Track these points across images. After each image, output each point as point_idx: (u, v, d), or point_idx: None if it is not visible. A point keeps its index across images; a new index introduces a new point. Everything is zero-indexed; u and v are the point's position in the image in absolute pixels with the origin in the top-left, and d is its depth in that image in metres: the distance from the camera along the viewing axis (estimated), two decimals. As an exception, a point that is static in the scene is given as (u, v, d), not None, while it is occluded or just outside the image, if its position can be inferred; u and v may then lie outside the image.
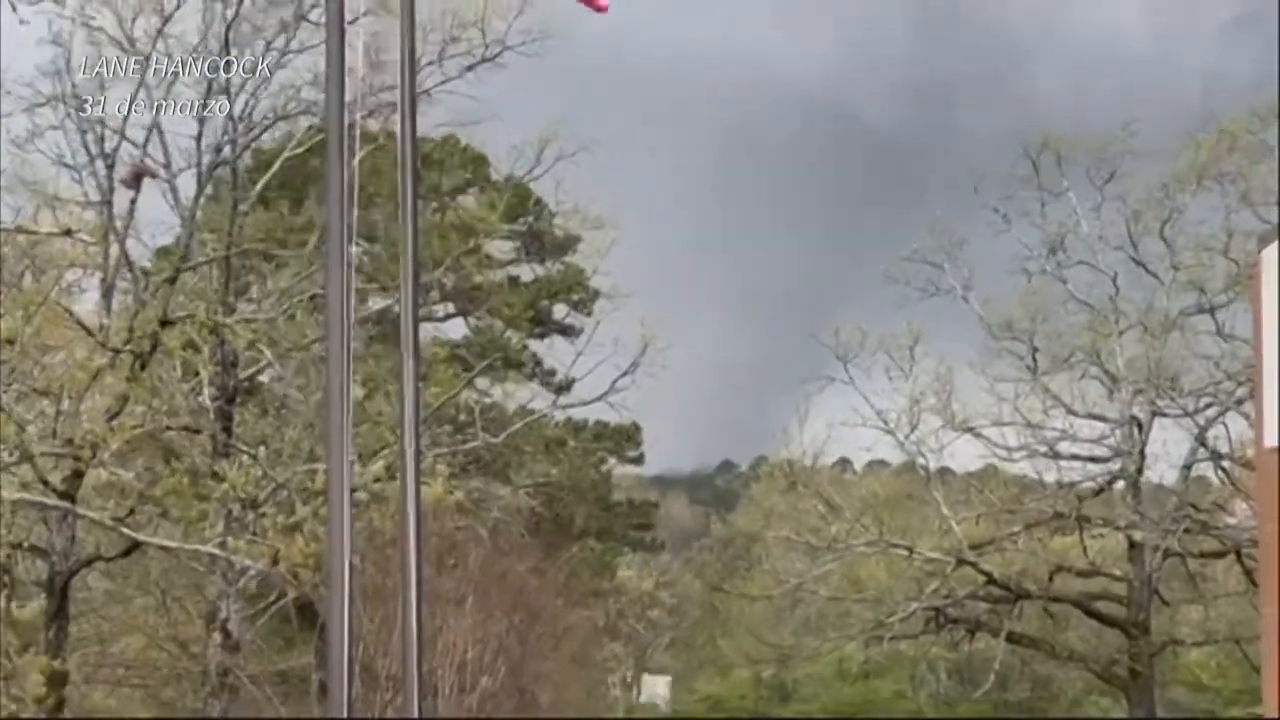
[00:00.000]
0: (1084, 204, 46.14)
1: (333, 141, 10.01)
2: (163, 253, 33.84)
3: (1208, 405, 44.03)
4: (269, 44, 30.42)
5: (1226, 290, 43.13)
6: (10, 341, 25.25)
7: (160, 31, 28.80)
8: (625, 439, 50.44)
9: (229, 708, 30.74)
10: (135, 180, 29.50)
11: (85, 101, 29.13)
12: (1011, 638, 46.45)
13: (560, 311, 47.85)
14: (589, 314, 45.48)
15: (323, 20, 29.46)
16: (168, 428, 28.34)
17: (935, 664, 58.50)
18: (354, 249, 10.04)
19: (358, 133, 10.86)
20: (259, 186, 32.98)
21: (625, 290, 42.78)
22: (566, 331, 47.40)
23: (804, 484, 49.47)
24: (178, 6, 28.80)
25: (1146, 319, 45.06)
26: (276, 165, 33.11)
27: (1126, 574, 45.19)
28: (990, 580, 45.45)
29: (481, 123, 34.94)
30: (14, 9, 21.25)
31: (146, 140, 29.80)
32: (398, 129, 10.94)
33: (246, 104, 31.05)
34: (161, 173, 30.55)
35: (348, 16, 10.24)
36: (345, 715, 9.00)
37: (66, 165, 29.59)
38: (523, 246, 45.23)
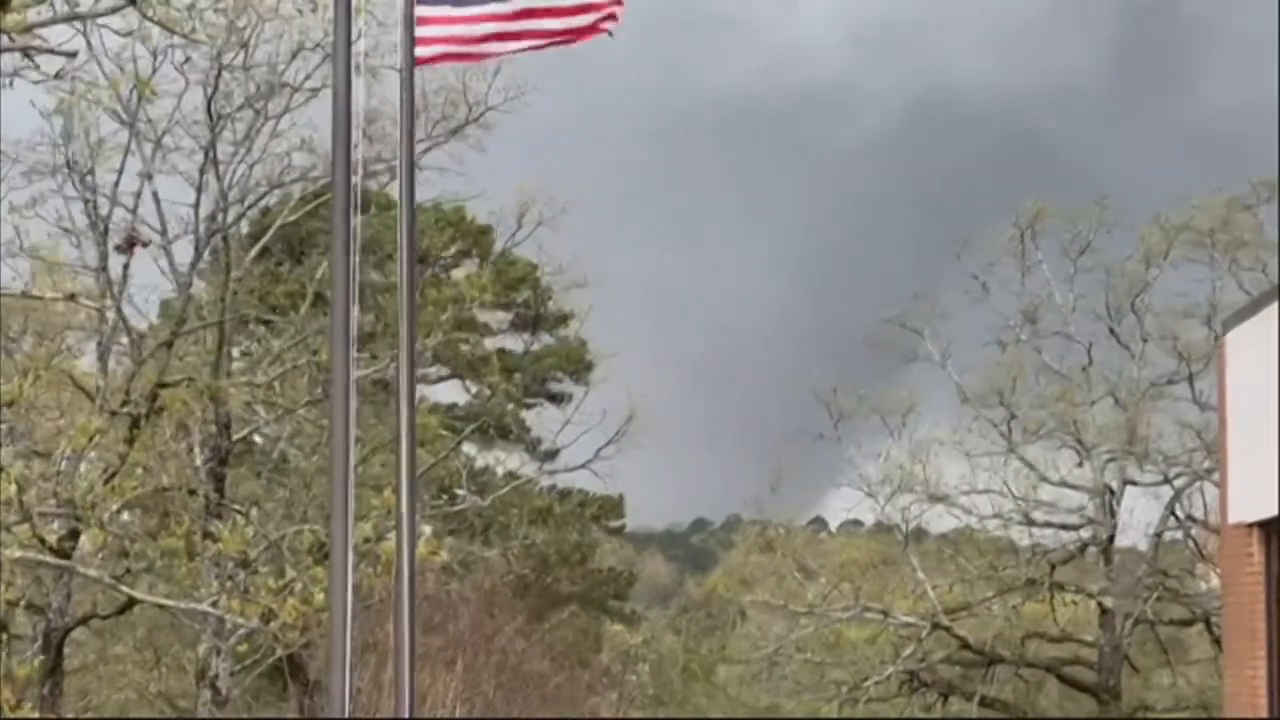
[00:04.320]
0: (1057, 275, 47.10)
1: (338, 207, 10.60)
2: (165, 311, 34.44)
3: (1178, 475, 44.87)
4: (258, 112, 31.06)
5: (1202, 359, 43.95)
6: (10, 404, 25.81)
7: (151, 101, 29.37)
8: (609, 510, 51.03)
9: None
10: (129, 246, 30.11)
11: (85, 171, 29.74)
12: (985, 702, 47.05)
13: (559, 380, 48.54)
14: (586, 385, 46.24)
15: (308, 86, 30.35)
16: (164, 488, 28.89)
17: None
18: (357, 312, 10.65)
19: (359, 197, 11.50)
20: (253, 252, 33.66)
21: (606, 345, 43.61)
22: (556, 399, 48.14)
23: (781, 547, 50.13)
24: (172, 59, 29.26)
25: (1118, 390, 45.94)
26: (269, 234, 33.85)
27: (1098, 640, 45.90)
28: (964, 645, 46.13)
29: (470, 194, 35.69)
30: (10, 85, 21.88)
31: (135, 206, 30.35)
32: (397, 195, 11.55)
33: (241, 173, 31.71)
34: (155, 239, 31.19)
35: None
36: (345, 715, 9.63)
37: (66, 230, 30.21)
38: (519, 318, 46.01)
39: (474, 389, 46.03)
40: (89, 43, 26.26)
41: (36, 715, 26.20)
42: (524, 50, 11.32)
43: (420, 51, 10.97)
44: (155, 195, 30.72)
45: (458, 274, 36.90)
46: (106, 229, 29.90)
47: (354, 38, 10.67)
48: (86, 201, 29.65)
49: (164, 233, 31.25)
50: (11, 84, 21.23)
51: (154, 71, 28.26)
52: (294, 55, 29.78)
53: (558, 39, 11.16)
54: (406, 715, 10.49)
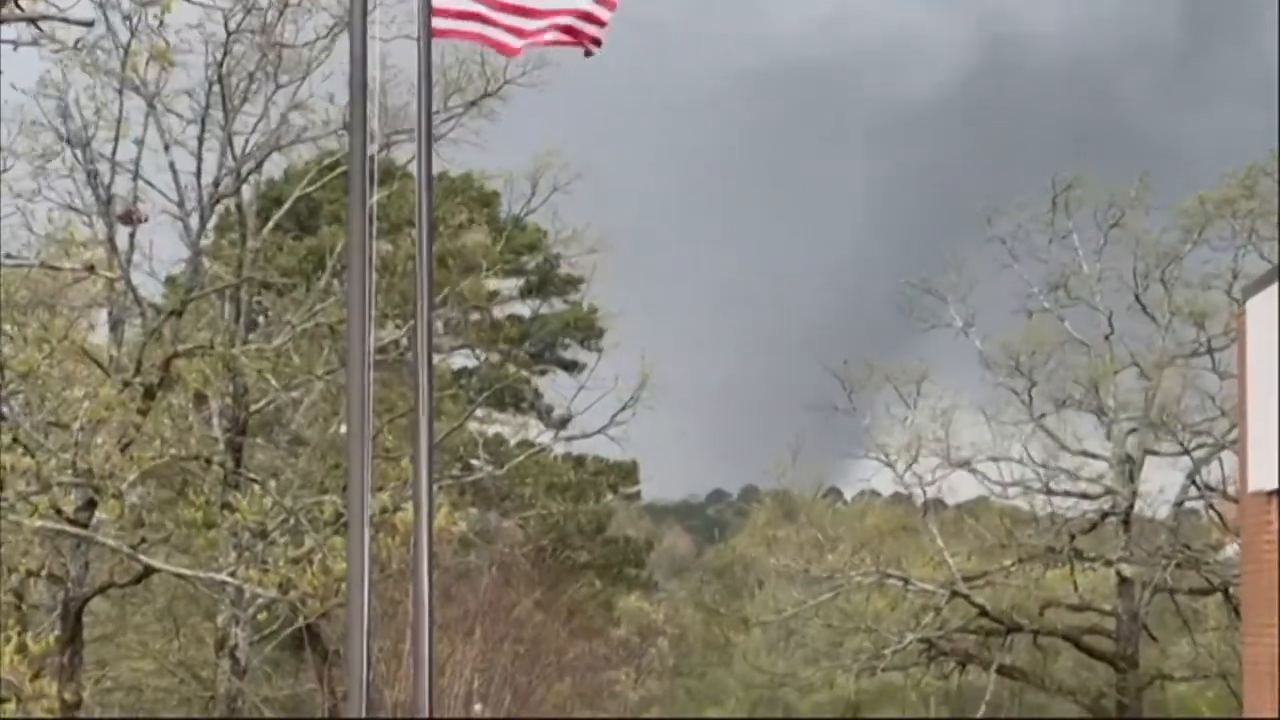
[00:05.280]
0: (1086, 246, 46.91)
1: (355, 176, 10.54)
2: (171, 286, 34.43)
3: (1198, 446, 44.77)
4: (252, 76, 30.86)
5: (1226, 332, 43.79)
6: (25, 375, 25.82)
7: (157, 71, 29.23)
8: (624, 476, 50.97)
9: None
10: (129, 219, 30.07)
11: (89, 142, 29.61)
12: (1002, 670, 47.04)
13: (565, 346, 48.51)
14: (598, 351, 46.13)
15: (301, 44, 30.20)
16: (182, 458, 28.91)
17: (927, 694, 59.00)
18: (374, 279, 10.59)
19: (377, 168, 11.42)
20: (270, 222, 33.60)
21: (619, 311, 43.50)
22: (569, 366, 48.07)
23: (799, 516, 50.14)
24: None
25: (1142, 359, 45.82)
26: (289, 203, 33.79)
27: (1116, 609, 45.85)
28: (983, 613, 46.09)
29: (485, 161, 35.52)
30: (15, 48, 21.74)
31: (135, 176, 30.22)
32: (414, 166, 11.47)
33: (246, 140, 31.55)
34: (173, 209, 31.11)
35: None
36: (362, 714, 9.60)
37: (75, 210, 30.12)
38: (528, 285, 45.90)
39: (484, 356, 45.99)
40: (105, 15, 26.31)
41: (55, 687, 26.27)
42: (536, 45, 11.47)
43: (437, 23, 10.96)
44: (172, 165, 30.70)
45: (468, 239, 36.81)
46: (110, 200, 29.84)
47: (370, 7, 10.60)
48: (90, 174, 29.55)
49: (181, 204, 31.23)
50: (16, 48, 21.16)
51: (166, 43, 28.15)
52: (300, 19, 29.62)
53: (564, 39, 11.35)
54: (425, 686, 10.45)
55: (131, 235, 29.87)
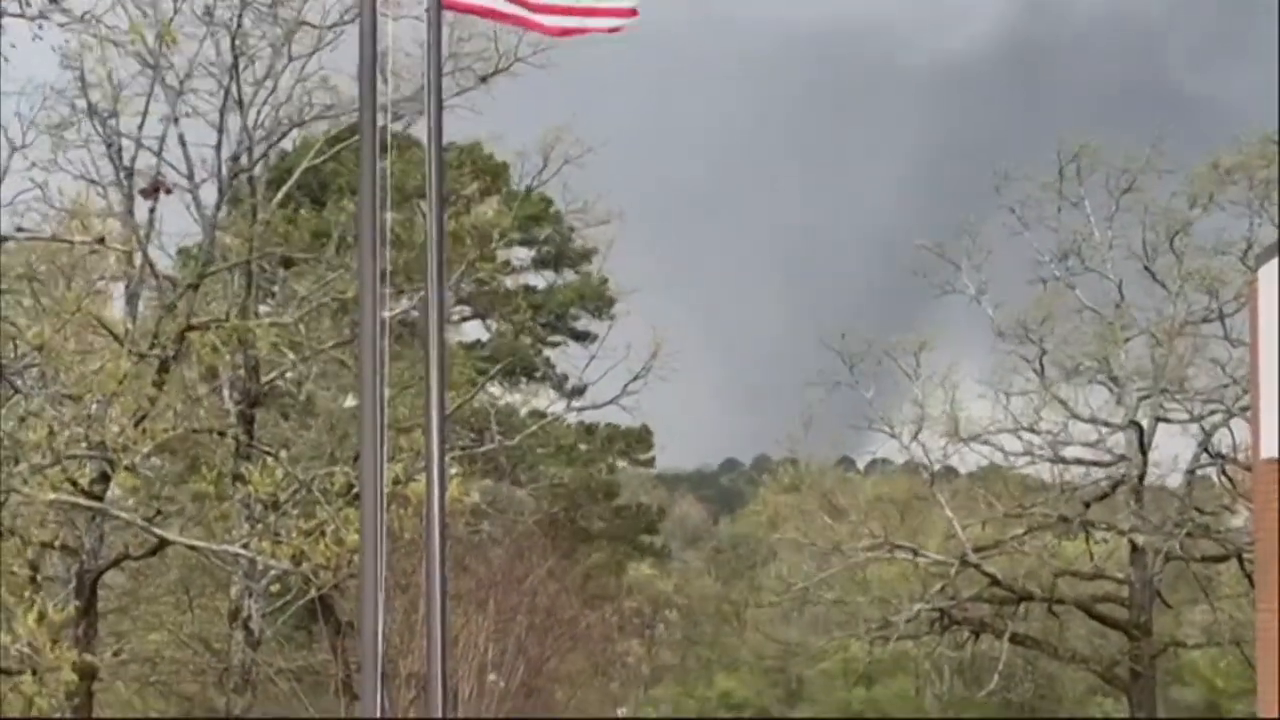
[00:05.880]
0: (1098, 213, 46.77)
1: (365, 146, 10.51)
2: (184, 257, 34.43)
3: (1212, 412, 44.74)
4: (275, 50, 30.86)
5: (1237, 298, 43.70)
6: (40, 349, 25.86)
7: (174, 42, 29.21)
8: (636, 441, 50.99)
9: (251, 704, 31.46)
10: (153, 192, 30.08)
11: (107, 116, 29.61)
12: (1015, 639, 47.08)
13: (575, 318, 48.51)
14: (609, 320, 46.08)
15: (321, 24, 30.19)
16: (195, 431, 28.96)
17: (940, 664, 59.12)
18: (387, 252, 10.58)
19: (389, 138, 11.38)
20: (280, 194, 33.58)
21: (632, 286, 43.46)
22: (580, 337, 48.06)
23: (811, 486, 50.17)
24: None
25: (1154, 326, 45.74)
26: (297, 174, 33.75)
27: (1129, 576, 45.86)
28: (995, 582, 46.11)
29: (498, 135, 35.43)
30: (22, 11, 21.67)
31: (160, 148, 30.24)
32: (424, 136, 11.46)
33: (259, 113, 31.56)
34: (183, 183, 31.11)
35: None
36: (377, 686, 9.60)
37: (92, 181, 30.13)
38: (540, 256, 45.88)
39: (495, 327, 45.97)
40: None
41: (75, 653, 26.35)
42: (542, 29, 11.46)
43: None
44: (181, 138, 30.69)
45: (478, 211, 36.73)
46: (131, 173, 29.84)
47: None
48: (109, 145, 29.56)
49: (191, 176, 31.23)
50: (41, 27, 21.12)
51: (175, 12, 28.19)
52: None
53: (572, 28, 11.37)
54: (439, 657, 10.45)
55: (151, 209, 29.92)
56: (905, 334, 48.62)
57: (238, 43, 30.01)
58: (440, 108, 11.19)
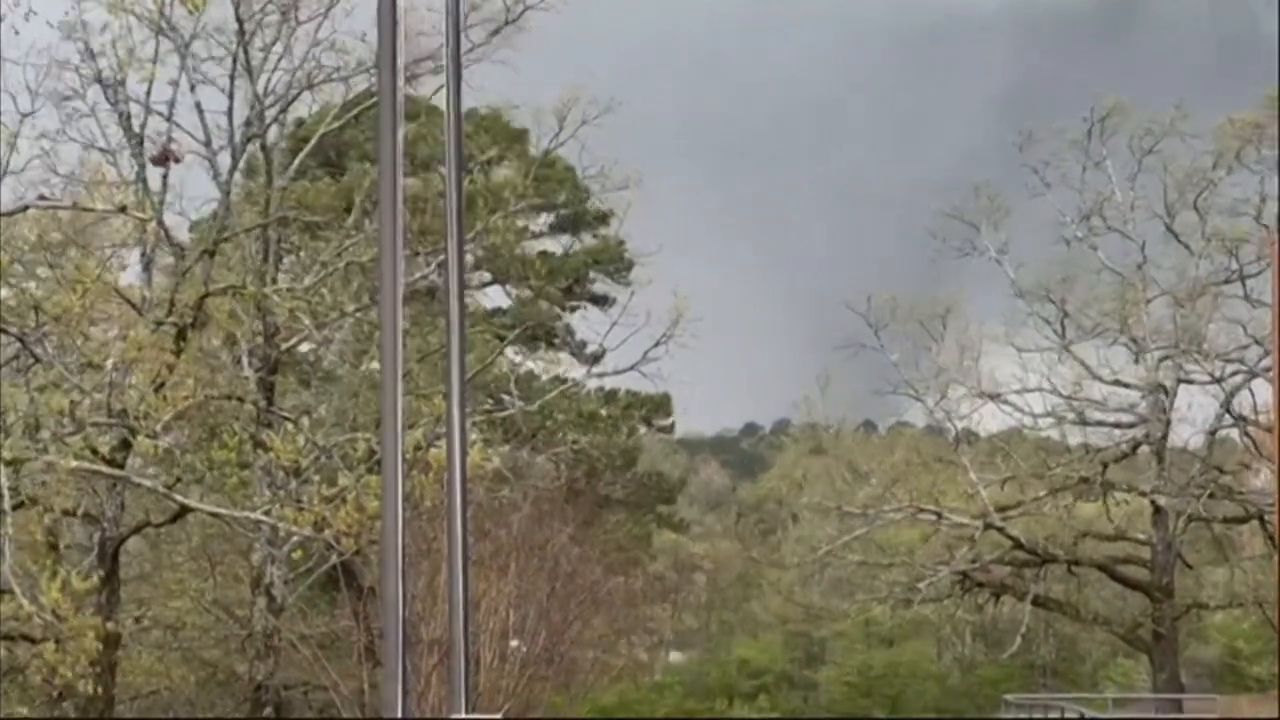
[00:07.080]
0: (1120, 173, 46.57)
1: (385, 109, 10.46)
2: (198, 227, 34.39)
3: (1234, 373, 44.59)
4: (284, 14, 30.68)
5: (1259, 258, 43.49)
6: (57, 318, 25.88)
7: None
8: (656, 408, 50.97)
9: (274, 670, 31.57)
10: (163, 160, 30.01)
11: (116, 83, 29.50)
12: (1037, 601, 47.07)
13: (594, 282, 48.44)
14: (627, 284, 45.90)
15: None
16: (215, 397, 28.99)
17: (960, 627, 59.13)
18: (406, 217, 10.56)
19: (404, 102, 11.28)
20: (297, 160, 33.49)
21: (651, 249, 43.25)
22: (600, 302, 47.98)
23: (832, 449, 50.16)
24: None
25: (1175, 287, 45.57)
26: (314, 140, 33.66)
27: (1150, 538, 45.79)
28: (1017, 545, 46.08)
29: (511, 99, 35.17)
30: None
31: (170, 115, 30.10)
32: (443, 99, 11.41)
33: (270, 78, 31.39)
34: (201, 149, 31.03)
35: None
36: (399, 653, 9.57)
37: (101, 150, 30.05)
38: (558, 220, 45.76)
39: (514, 293, 45.87)
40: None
41: (99, 620, 26.43)
42: None
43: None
44: (198, 106, 30.59)
45: (497, 175, 36.62)
46: (142, 140, 29.77)
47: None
48: (121, 114, 29.47)
49: (208, 143, 31.15)
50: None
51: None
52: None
53: None
54: (461, 622, 10.40)
55: (164, 176, 29.85)
56: (935, 294, 48.57)
57: (241, 8, 29.87)
58: (459, 69, 11.09)
